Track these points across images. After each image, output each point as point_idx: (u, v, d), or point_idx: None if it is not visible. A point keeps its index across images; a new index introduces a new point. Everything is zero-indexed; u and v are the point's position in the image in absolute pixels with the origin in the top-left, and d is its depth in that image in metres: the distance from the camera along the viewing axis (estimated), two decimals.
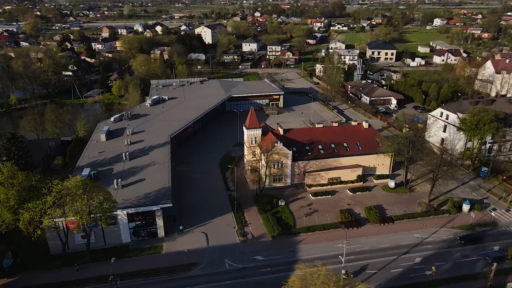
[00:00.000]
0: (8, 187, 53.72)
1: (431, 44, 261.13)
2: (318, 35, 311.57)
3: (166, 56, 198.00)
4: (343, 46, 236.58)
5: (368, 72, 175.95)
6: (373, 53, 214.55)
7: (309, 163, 77.90)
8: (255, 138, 79.48)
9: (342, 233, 62.35)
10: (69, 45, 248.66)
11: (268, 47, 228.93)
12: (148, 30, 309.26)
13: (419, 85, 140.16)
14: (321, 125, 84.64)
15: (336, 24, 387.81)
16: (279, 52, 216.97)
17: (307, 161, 77.57)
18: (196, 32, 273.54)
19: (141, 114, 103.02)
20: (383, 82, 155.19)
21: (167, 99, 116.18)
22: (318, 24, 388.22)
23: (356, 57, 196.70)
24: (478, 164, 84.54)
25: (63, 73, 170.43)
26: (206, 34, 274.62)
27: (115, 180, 63.67)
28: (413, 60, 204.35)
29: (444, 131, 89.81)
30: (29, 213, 48.60)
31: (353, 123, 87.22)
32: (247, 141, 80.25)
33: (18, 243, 56.67)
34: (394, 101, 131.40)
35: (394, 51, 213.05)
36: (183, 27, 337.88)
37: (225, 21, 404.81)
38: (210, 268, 54.41)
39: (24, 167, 63.25)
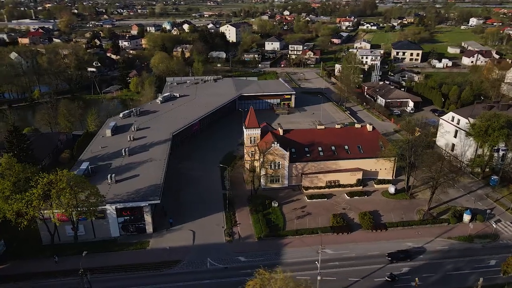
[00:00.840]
0: (8, 178, 56.14)
1: (462, 44, 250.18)
2: (345, 34, 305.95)
3: (187, 54, 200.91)
4: (368, 46, 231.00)
5: (389, 73, 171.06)
6: (397, 53, 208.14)
7: (307, 165, 76.57)
8: (254, 137, 79.02)
9: (330, 238, 60.99)
10: (98, 42, 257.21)
11: (290, 46, 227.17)
12: (175, 28, 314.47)
13: (439, 87, 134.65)
14: (322, 127, 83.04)
15: (365, 23, 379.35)
16: (300, 51, 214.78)
17: (305, 162, 76.33)
18: (220, 31, 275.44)
19: (151, 110, 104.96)
20: (403, 84, 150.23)
21: (178, 96, 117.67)
22: (346, 23, 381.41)
23: (378, 58, 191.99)
24: (489, 173, 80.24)
25: (88, 69, 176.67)
26: (231, 33, 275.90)
27: (109, 175, 65.24)
28: (440, 61, 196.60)
29: (455, 136, 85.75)
30: (16, 204, 50.58)
31: (356, 125, 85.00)
32: (245, 141, 80.00)
33: (13, 233, 59.05)
34: (411, 104, 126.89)
35: (420, 52, 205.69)
36: (210, 25, 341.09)
37: (253, 19, 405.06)
38: (191, 266, 54.60)
39: (25, 159, 65.72)
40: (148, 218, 61.22)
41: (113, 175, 65.44)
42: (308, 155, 77.11)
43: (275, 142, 73.71)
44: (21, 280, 51.23)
